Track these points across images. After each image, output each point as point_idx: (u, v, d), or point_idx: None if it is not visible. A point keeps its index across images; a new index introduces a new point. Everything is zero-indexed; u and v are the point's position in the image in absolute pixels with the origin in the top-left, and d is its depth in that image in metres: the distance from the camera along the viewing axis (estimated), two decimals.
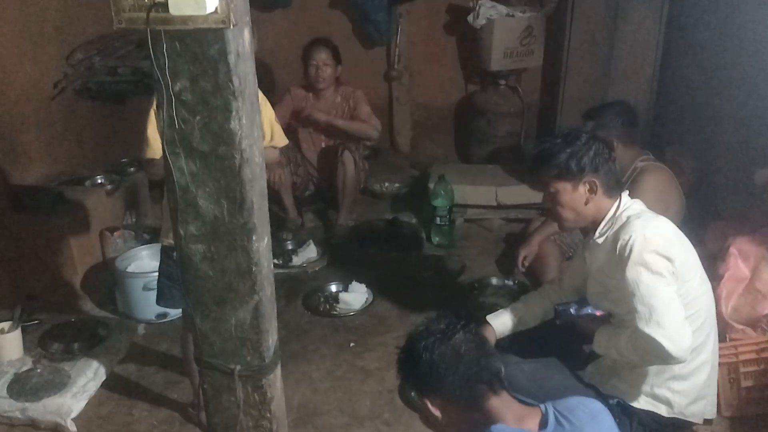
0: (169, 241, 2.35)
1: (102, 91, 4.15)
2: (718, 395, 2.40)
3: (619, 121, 2.97)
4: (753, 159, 3.32)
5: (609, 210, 2.17)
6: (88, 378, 2.77)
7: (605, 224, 2.17)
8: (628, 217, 2.12)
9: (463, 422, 1.52)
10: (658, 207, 2.85)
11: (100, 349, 2.94)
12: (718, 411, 2.45)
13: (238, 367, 1.69)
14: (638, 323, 1.98)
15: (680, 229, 2.21)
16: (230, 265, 1.59)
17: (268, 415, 1.74)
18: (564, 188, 2.16)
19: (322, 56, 4.02)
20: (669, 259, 2.02)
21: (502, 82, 4.81)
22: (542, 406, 1.51)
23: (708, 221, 3.34)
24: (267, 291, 1.66)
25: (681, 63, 4.23)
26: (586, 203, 2.16)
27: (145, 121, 2.32)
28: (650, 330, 1.95)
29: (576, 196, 2.15)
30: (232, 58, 1.39)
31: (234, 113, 1.44)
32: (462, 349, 1.50)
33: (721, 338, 2.62)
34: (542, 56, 4.74)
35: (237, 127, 1.45)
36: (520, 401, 1.56)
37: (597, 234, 2.19)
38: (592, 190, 2.14)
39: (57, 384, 2.70)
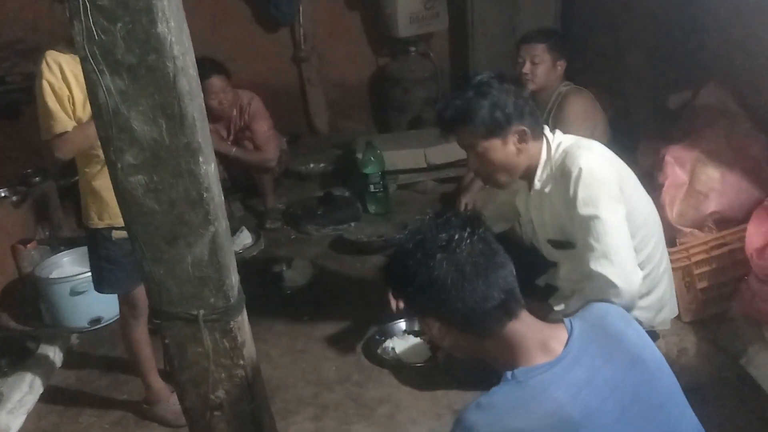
0: (99, 222, 2.14)
1: None
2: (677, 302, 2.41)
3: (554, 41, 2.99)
4: (665, 85, 3.39)
5: (540, 153, 1.98)
6: (23, 392, 2.50)
7: (543, 170, 1.99)
8: (566, 150, 1.95)
9: (473, 348, 1.28)
10: (586, 126, 2.89)
11: (32, 362, 2.67)
12: (678, 317, 2.45)
13: (202, 312, 1.49)
14: (590, 262, 1.86)
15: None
16: (178, 195, 1.40)
17: (242, 362, 1.56)
18: (493, 146, 1.92)
19: (217, 85, 3.51)
20: (617, 184, 1.91)
21: (412, 49, 4.79)
22: (567, 322, 1.26)
23: (634, 146, 3.40)
24: (222, 222, 1.49)
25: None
26: (518, 154, 1.95)
27: (42, 99, 2.00)
28: (602, 269, 1.84)
29: (507, 151, 1.93)
30: None
31: (160, 14, 1.28)
32: (469, 268, 1.20)
33: (671, 244, 2.64)
34: (448, 19, 4.74)
35: (165, 30, 1.29)
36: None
37: (537, 182, 2.00)
38: (523, 139, 1.93)
39: None
